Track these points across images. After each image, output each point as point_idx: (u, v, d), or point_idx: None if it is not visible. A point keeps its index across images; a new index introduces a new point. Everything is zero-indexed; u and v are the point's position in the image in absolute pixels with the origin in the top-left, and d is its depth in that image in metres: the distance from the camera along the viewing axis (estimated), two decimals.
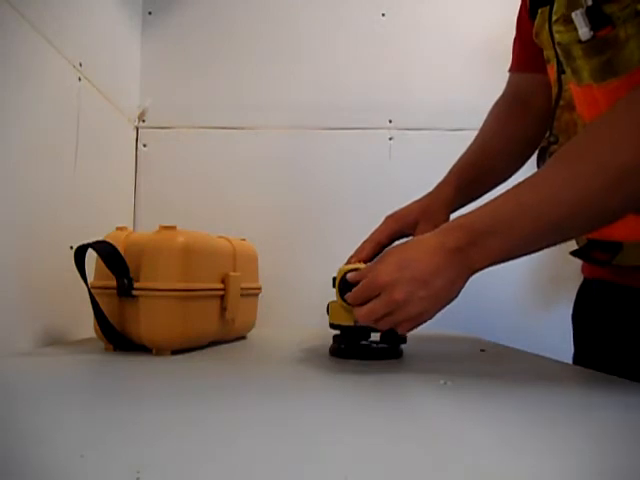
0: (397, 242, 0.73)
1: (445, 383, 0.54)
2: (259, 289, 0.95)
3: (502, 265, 0.57)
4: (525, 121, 0.83)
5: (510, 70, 0.86)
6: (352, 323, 0.65)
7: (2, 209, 0.70)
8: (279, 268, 1.17)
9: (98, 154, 1.00)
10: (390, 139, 1.23)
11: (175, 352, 0.71)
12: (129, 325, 0.71)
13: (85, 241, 0.71)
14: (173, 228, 0.72)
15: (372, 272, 0.58)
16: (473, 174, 0.82)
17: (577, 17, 0.58)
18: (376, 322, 0.58)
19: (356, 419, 0.43)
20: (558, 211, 0.52)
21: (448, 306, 0.57)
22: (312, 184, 1.23)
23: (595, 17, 0.56)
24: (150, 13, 1.25)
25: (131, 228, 0.81)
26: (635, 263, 0.66)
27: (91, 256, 0.71)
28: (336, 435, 0.38)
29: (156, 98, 1.23)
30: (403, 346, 0.72)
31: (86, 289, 0.71)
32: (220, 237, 0.85)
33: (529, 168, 0.80)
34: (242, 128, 1.24)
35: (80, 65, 0.91)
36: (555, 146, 0.70)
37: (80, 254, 0.70)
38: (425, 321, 0.58)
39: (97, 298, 0.71)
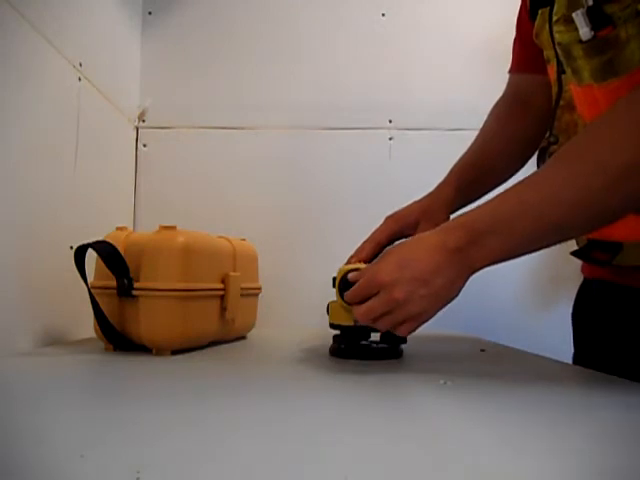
0: (397, 242, 0.73)
1: (445, 383, 0.54)
2: (259, 289, 0.95)
3: (502, 265, 0.57)
4: (525, 122, 0.83)
5: (510, 71, 0.86)
6: (352, 323, 0.65)
7: (2, 209, 0.70)
8: (279, 268, 1.17)
9: (98, 154, 1.00)
10: (390, 139, 1.23)
11: (175, 352, 0.71)
12: (129, 325, 0.71)
13: (85, 241, 0.71)
14: (173, 228, 0.72)
15: (372, 271, 0.58)
16: (473, 174, 0.82)
17: (578, 17, 0.58)
18: (375, 321, 0.58)
19: (356, 419, 0.43)
20: (558, 211, 0.52)
21: (448, 306, 0.57)
22: (312, 184, 1.23)
23: (596, 17, 0.56)
24: (150, 13, 1.25)
25: (131, 228, 0.81)
26: (635, 263, 0.66)
27: (91, 256, 0.71)
28: (336, 435, 0.38)
29: (156, 98, 1.23)
30: (403, 346, 0.72)
31: (86, 289, 0.71)
32: (220, 237, 0.85)
33: (529, 168, 0.80)
34: (242, 128, 1.24)
35: (80, 65, 0.91)
36: (555, 146, 0.70)
37: (80, 254, 0.70)
38: (425, 321, 0.58)
39: (97, 298, 0.71)
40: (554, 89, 0.69)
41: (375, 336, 0.70)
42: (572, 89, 0.65)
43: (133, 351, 0.71)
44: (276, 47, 1.25)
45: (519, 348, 0.87)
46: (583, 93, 0.63)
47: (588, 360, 0.74)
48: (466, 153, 0.85)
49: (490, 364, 0.73)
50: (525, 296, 1.21)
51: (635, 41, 0.55)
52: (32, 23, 0.76)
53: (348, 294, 0.60)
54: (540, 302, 1.21)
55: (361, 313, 0.58)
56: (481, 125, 0.87)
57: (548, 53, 0.68)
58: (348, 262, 0.72)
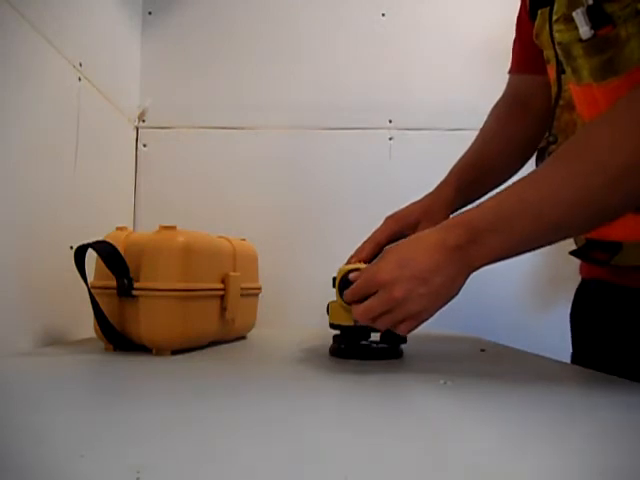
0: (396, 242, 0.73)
1: (445, 383, 0.54)
2: (259, 289, 0.95)
3: (502, 265, 0.57)
4: (525, 122, 0.83)
5: (510, 72, 0.86)
6: (352, 323, 0.65)
7: (2, 209, 0.70)
8: (279, 268, 1.17)
9: (98, 154, 1.00)
10: (390, 139, 1.23)
11: (175, 352, 0.71)
12: (129, 325, 0.71)
13: (85, 241, 0.70)
14: (173, 228, 0.72)
15: (371, 270, 0.58)
16: (473, 175, 0.83)
17: (578, 16, 0.58)
18: (374, 320, 0.58)
19: (356, 419, 0.43)
20: (558, 209, 0.52)
21: (448, 305, 0.57)
22: (312, 184, 1.24)
23: (596, 16, 0.56)
24: (150, 13, 1.25)
25: (131, 228, 0.81)
26: (634, 263, 0.66)
27: (91, 256, 0.71)
28: (336, 435, 0.38)
29: (156, 98, 1.23)
30: (403, 346, 0.72)
31: (86, 289, 0.71)
32: (220, 237, 0.85)
33: (529, 169, 0.80)
34: (242, 128, 1.24)
35: (80, 65, 0.91)
36: (554, 146, 0.70)
37: (80, 254, 0.70)
38: (425, 320, 0.57)
39: (97, 298, 0.71)
40: (553, 89, 0.70)
41: (375, 336, 0.70)
42: (571, 89, 0.65)
43: (133, 351, 0.71)
44: (276, 47, 1.25)
45: (519, 348, 0.87)
46: (582, 92, 0.63)
47: (587, 360, 0.74)
48: (466, 153, 0.85)
49: (490, 364, 0.73)
50: (525, 296, 1.21)
51: (635, 40, 0.55)
52: (32, 23, 0.76)
53: (347, 293, 0.60)
54: (540, 302, 1.21)
55: (360, 312, 0.58)
56: (481, 125, 0.87)
57: (548, 53, 0.68)
58: (348, 262, 0.72)
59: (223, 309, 0.79)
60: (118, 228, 0.77)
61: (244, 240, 0.92)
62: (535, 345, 0.85)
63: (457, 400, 0.49)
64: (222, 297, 0.79)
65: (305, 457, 0.33)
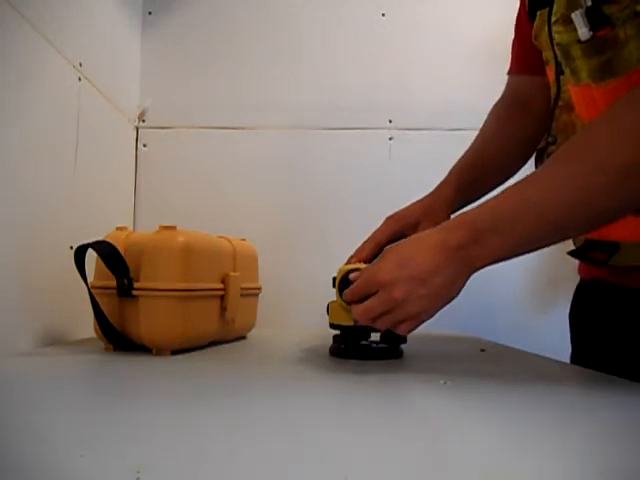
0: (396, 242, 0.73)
1: (445, 383, 0.54)
2: (259, 289, 0.95)
3: (502, 265, 0.57)
4: (524, 122, 0.83)
5: (509, 73, 0.86)
6: (352, 323, 0.65)
7: (2, 209, 0.70)
8: (279, 268, 1.17)
9: (98, 154, 1.00)
10: (390, 139, 1.23)
11: (175, 352, 0.71)
12: (129, 325, 0.71)
13: (85, 241, 0.70)
14: (173, 228, 0.72)
15: (372, 270, 0.58)
16: (473, 175, 0.83)
17: (577, 17, 0.58)
18: (374, 320, 0.58)
19: (356, 419, 0.43)
20: (559, 210, 0.52)
21: (448, 305, 0.57)
22: (312, 184, 1.23)
23: (594, 17, 0.56)
24: (150, 13, 1.25)
25: (131, 228, 0.81)
26: (632, 263, 0.66)
27: (91, 256, 0.71)
28: (336, 435, 0.38)
29: (156, 98, 1.23)
30: (403, 346, 0.72)
31: (86, 289, 0.71)
32: (220, 237, 0.85)
33: (529, 169, 0.80)
34: (242, 128, 1.24)
35: (80, 65, 0.91)
36: (553, 147, 0.70)
37: (80, 254, 0.70)
38: (425, 320, 0.57)
39: (97, 298, 0.71)
40: (552, 90, 0.70)
41: (375, 336, 0.70)
42: (570, 89, 0.65)
43: (133, 351, 0.71)
44: (276, 47, 1.25)
45: (519, 348, 0.87)
46: (581, 93, 0.63)
47: (586, 360, 0.74)
48: (466, 153, 0.85)
49: (490, 364, 0.73)
50: (525, 296, 1.21)
51: (633, 41, 0.55)
52: (32, 23, 0.76)
53: (347, 292, 0.60)
54: (540, 302, 1.21)
55: (360, 312, 0.58)
56: (481, 125, 0.87)
57: (547, 54, 0.69)
58: (348, 262, 0.72)
59: (223, 309, 0.79)
60: (118, 228, 0.77)
61: (244, 240, 0.92)
62: (535, 345, 0.85)
63: (457, 400, 0.49)
64: (222, 297, 0.79)
65: (305, 457, 0.33)
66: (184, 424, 0.39)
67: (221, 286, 0.79)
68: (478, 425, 0.41)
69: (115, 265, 0.70)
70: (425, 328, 0.60)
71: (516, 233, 0.53)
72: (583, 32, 0.58)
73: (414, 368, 0.66)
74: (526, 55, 0.79)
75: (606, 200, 0.51)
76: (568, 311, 0.82)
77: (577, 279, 0.81)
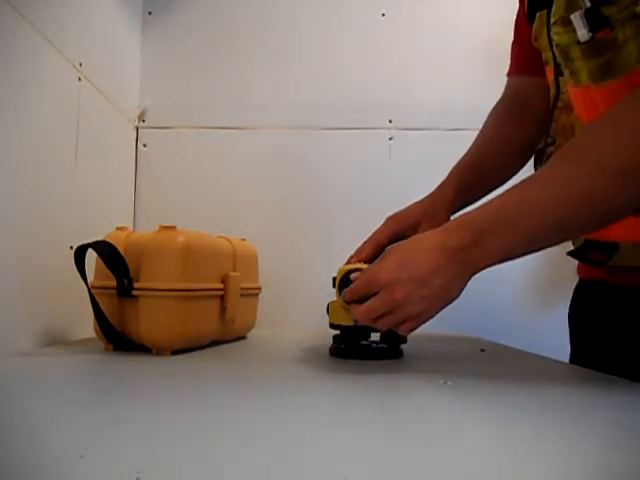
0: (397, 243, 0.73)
1: (445, 383, 0.54)
2: (259, 289, 0.95)
3: (502, 265, 0.57)
4: (524, 123, 0.83)
5: (508, 74, 0.86)
6: (352, 323, 0.65)
7: (2, 209, 0.70)
8: (279, 268, 1.17)
9: (98, 154, 1.00)
10: (390, 139, 1.23)
11: (175, 352, 0.71)
12: (129, 325, 0.71)
13: (85, 241, 0.71)
14: (173, 228, 0.72)
15: (373, 270, 0.58)
16: (473, 176, 0.83)
17: (576, 19, 0.58)
18: (375, 321, 0.58)
19: (356, 419, 0.43)
20: (561, 211, 0.52)
21: (448, 306, 0.57)
22: (312, 184, 1.23)
23: (593, 19, 0.56)
24: (150, 13, 1.25)
25: (131, 228, 0.81)
26: (631, 263, 0.66)
27: (91, 256, 0.71)
28: (336, 435, 0.38)
29: (156, 98, 1.23)
30: (403, 346, 0.72)
31: (86, 289, 0.71)
32: (220, 237, 0.85)
33: (528, 170, 0.80)
34: (242, 128, 1.24)
35: (80, 65, 0.91)
36: (552, 148, 0.70)
37: (80, 254, 0.70)
38: (425, 321, 0.58)
39: (97, 298, 0.71)
40: (552, 91, 0.70)
41: (375, 336, 0.70)
42: (570, 91, 0.65)
43: (133, 351, 0.71)
44: (276, 47, 1.25)
45: (519, 348, 0.87)
46: (581, 94, 0.63)
47: (585, 360, 0.74)
48: (466, 154, 0.85)
49: (490, 364, 0.73)
50: (525, 296, 1.21)
51: (632, 43, 0.55)
52: (32, 23, 0.76)
53: (347, 291, 0.60)
54: (539, 302, 1.21)
55: (361, 313, 0.58)
56: (481, 125, 0.87)
57: (546, 55, 0.69)
58: (348, 262, 0.72)
59: (223, 309, 0.79)
60: (118, 228, 0.77)
61: (244, 240, 0.92)
62: (535, 345, 0.85)
63: (457, 400, 0.49)
64: (222, 297, 0.79)
65: (305, 457, 0.33)
66: (184, 424, 0.39)
67: (221, 286, 0.79)
68: (478, 425, 0.41)
69: (115, 265, 0.70)
70: (425, 328, 0.60)
71: (518, 234, 0.53)
72: (582, 33, 0.58)
73: (414, 368, 0.66)
74: (526, 56, 0.79)
75: (608, 200, 0.51)
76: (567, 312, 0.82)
77: (577, 279, 0.81)
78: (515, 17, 0.81)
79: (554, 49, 0.64)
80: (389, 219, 0.78)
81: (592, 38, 0.57)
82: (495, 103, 0.88)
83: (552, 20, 0.63)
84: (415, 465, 0.32)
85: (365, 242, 0.75)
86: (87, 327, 0.75)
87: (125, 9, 1.14)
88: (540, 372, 0.68)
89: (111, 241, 0.71)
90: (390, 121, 1.23)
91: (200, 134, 1.24)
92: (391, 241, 0.75)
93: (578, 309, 0.80)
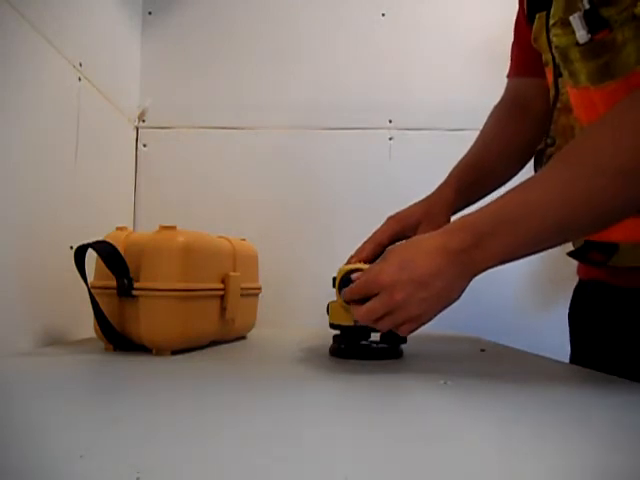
0: (398, 243, 0.73)
1: (445, 383, 0.54)
2: (259, 289, 0.95)
3: (502, 266, 0.57)
4: (524, 124, 0.83)
5: (508, 76, 0.86)
6: (352, 323, 0.65)
7: (2, 209, 0.70)
8: (279, 268, 1.17)
9: (98, 154, 1.00)
10: (390, 139, 1.23)
11: (175, 352, 0.71)
12: (129, 325, 0.71)
13: (85, 241, 0.71)
14: (173, 228, 0.72)
15: (374, 271, 0.58)
16: (473, 176, 0.83)
17: (575, 20, 0.58)
18: (376, 322, 0.58)
19: (356, 419, 0.43)
20: (562, 212, 0.52)
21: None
22: (312, 184, 1.23)
23: (592, 20, 0.56)
24: (150, 13, 1.25)
25: (131, 228, 0.81)
26: (630, 264, 0.66)
27: (91, 256, 0.71)
28: (336, 435, 0.38)
29: (156, 98, 1.23)
30: (403, 346, 0.72)
31: (86, 289, 0.71)
32: (220, 237, 0.85)
33: (528, 171, 0.80)
34: (242, 128, 1.24)
35: (80, 65, 0.91)
36: (552, 149, 0.70)
37: (80, 254, 0.70)
38: (425, 322, 0.58)
39: (97, 298, 0.71)
40: (551, 92, 0.70)
41: (375, 336, 0.70)
42: (569, 92, 0.65)
43: (133, 351, 0.71)
44: (276, 47, 1.25)
45: (519, 348, 0.87)
46: (580, 96, 0.63)
47: (585, 360, 0.74)
48: (466, 155, 0.85)
49: (490, 364, 0.73)
50: (525, 296, 1.21)
51: (631, 44, 0.55)
52: (32, 23, 0.76)
53: (346, 291, 0.60)
54: (540, 302, 1.21)
55: (362, 314, 0.58)
56: (481, 125, 0.87)
57: (546, 56, 0.69)
58: (348, 262, 0.72)
59: (223, 309, 0.79)
60: (118, 228, 0.77)
61: (244, 240, 0.92)
62: (535, 345, 0.85)
63: (457, 400, 0.49)
64: (222, 297, 0.79)
65: (305, 457, 0.33)
66: (184, 424, 0.39)
67: (221, 286, 0.79)
68: (478, 425, 0.41)
69: (115, 265, 0.70)
70: (425, 328, 0.60)
71: (519, 236, 0.53)
72: (581, 35, 0.57)
73: (414, 368, 0.66)
74: (525, 58, 0.79)
75: (608, 201, 0.51)
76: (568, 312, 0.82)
77: (576, 279, 0.81)
78: (515, 18, 0.81)
79: (553, 50, 0.64)
80: (390, 219, 0.78)
81: (591, 39, 0.57)
82: (495, 103, 0.88)
83: (551, 22, 0.63)
84: (415, 465, 0.32)
85: (366, 242, 0.75)
86: (87, 327, 0.75)
87: (125, 9, 1.14)
88: (540, 372, 0.68)
89: (111, 241, 0.71)
90: (390, 121, 1.23)
91: (200, 134, 1.24)
92: (392, 241, 0.75)
93: (578, 309, 0.80)
